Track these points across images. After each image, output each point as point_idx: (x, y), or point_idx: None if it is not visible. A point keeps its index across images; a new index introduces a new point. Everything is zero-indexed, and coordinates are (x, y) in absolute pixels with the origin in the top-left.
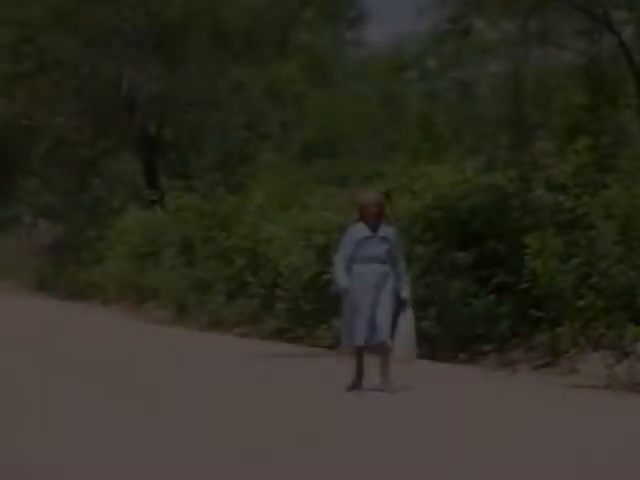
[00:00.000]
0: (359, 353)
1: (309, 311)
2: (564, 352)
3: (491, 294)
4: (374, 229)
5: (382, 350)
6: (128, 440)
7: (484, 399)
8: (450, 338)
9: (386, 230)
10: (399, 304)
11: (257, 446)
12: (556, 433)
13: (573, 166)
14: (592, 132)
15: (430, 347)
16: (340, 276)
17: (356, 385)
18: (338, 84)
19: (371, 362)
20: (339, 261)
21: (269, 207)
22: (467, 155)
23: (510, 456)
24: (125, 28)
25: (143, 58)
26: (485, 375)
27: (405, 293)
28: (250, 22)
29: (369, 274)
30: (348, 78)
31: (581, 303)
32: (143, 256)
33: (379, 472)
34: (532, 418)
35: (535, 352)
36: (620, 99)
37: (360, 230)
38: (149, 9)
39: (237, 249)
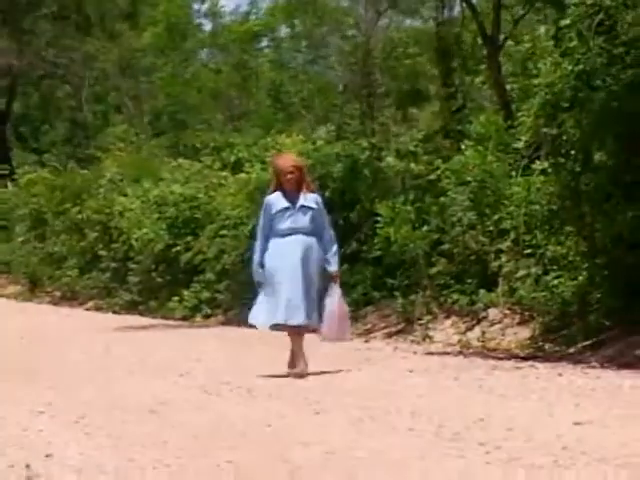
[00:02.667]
0: (292, 333)
1: (161, 283)
2: (417, 319)
3: (344, 263)
4: (294, 198)
5: (301, 331)
6: None
7: (343, 367)
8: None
9: (308, 198)
10: (326, 279)
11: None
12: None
13: (423, 132)
14: (442, 97)
15: None
16: (255, 266)
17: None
18: (190, 55)
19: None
20: (258, 245)
21: (121, 180)
22: (317, 125)
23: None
24: None
25: None
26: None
27: (333, 267)
28: None
29: (291, 247)
30: (200, 48)
31: (433, 270)
32: None
33: None
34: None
35: (389, 320)
36: (469, 64)
37: (278, 200)
38: None
39: (89, 222)
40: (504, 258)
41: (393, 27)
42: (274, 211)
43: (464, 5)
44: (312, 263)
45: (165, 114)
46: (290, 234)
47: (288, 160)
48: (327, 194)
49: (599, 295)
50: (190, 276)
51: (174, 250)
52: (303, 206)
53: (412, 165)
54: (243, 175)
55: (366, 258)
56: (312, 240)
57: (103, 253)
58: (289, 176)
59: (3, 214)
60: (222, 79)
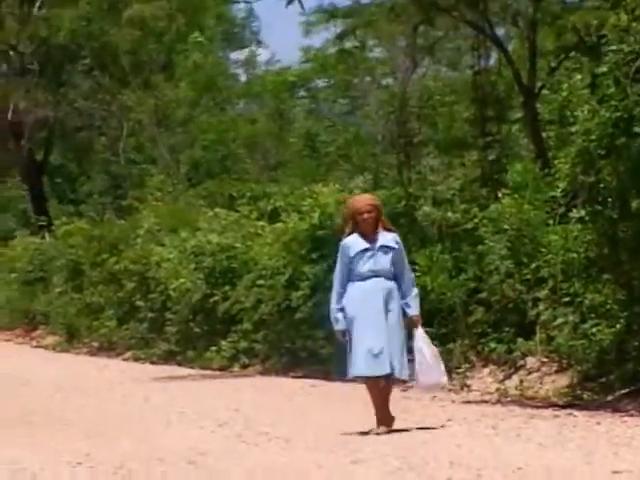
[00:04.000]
0: (372, 386)
1: (198, 333)
2: (456, 368)
3: None
4: (372, 239)
5: (388, 383)
6: None
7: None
8: (342, 356)
9: (386, 237)
10: (407, 324)
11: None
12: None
13: (460, 181)
14: (479, 146)
15: (323, 368)
16: (334, 315)
17: (382, 422)
18: (227, 104)
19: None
20: (334, 291)
21: (158, 230)
22: (354, 174)
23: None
24: (10, 53)
25: (29, 83)
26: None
27: (414, 310)
28: (136, 46)
29: (373, 290)
30: (237, 98)
31: (471, 318)
32: (32, 282)
33: None
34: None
35: None
36: (506, 113)
37: (356, 242)
38: (34, 33)
39: (126, 273)
40: (542, 306)
41: (429, 76)
42: (353, 253)
43: (500, 54)
44: (394, 309)
45: (202, 163)
46: (370, 277)
47: (364, 199)
48: None
49: (637, 343)
50: (228, 326)
51: (211, 300)
52: (383, 246)
53: (449, 214)
54: (280, 225)
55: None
56: (393, 285)
57: (140, 303)
58: (366, 215)
59: (41, 265)
60: (258, 129)
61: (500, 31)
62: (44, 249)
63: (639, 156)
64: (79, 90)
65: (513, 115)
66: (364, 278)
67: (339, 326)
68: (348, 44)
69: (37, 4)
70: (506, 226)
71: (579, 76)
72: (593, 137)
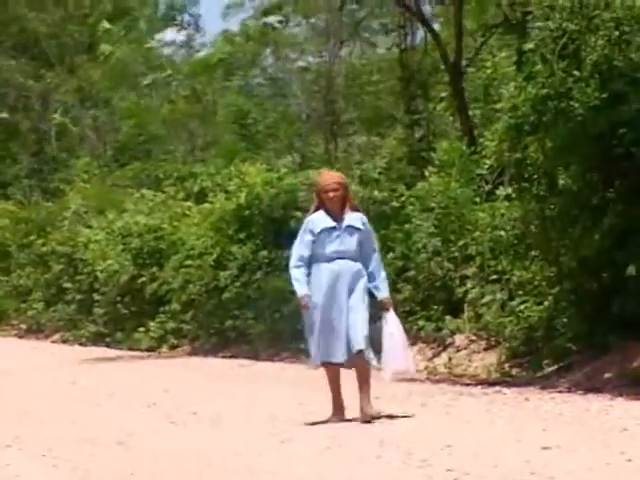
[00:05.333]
0: (333, 375)
1: (126, 315)
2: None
3: None
4: (339, 217)
5: (359, 364)
6: None
7: (310, 395)
8: (271, 336)
9: (353, 217)
10: (375, 307)
11: None
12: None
13: (386, 159)
14: (405, 124)
15: (252, 347)
16: (296, 282)
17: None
18: (150, 88)
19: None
20: (293, 264)
21: (85, 212)
22: (281, 153)
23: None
24: None
25: None
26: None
27: (384, 293)
28: (59, 29)
29: (337, 273)
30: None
31: (399, 297)
32: None
33: None
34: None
35: None
36: (432, 91)
37: (322, 219)
38: None
39: (54, 255)
40: (469, 284)
41: (355, 55)
42: (318, 230)
43: (426, 32)
44: (359, 291)
45: (127, 146)
46: (336, 258)
47: (330, 177)
48: (291, 223)
49: (565, 320)
50: (156, 307)
51: (139, 281)
52: (350, 226)
53: (376, 192)
54: (207, 205)
55: None
56: (359, 266)
57: (68, 285)
58: (332, 194)
59: None
60: (177, 110)
61: (427, 9)
62: None
63: (566, 133)
64: (1, 72)
65: (439, 93)
66: (329, 259)
67: (304, 289)
68: (272, 19)
69: None
70: (433, 204)
71: (504, 53)
72: (520, 114)
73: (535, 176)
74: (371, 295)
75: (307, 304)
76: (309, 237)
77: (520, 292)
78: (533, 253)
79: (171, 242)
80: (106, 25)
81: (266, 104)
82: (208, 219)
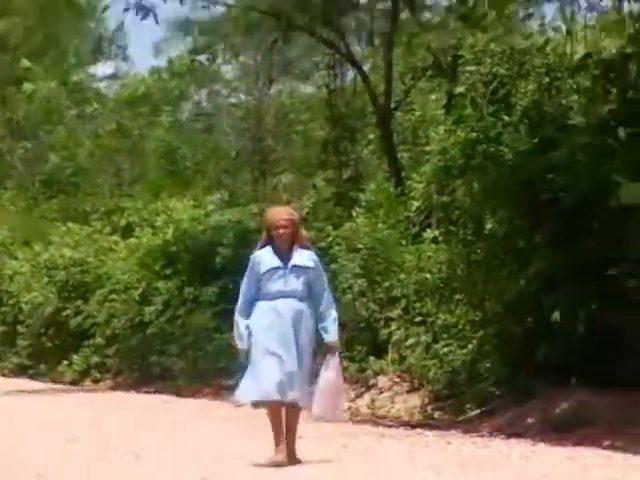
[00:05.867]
0: (273, 411)
1: (50, 347)
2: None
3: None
4: (286, 256)
5: (292, 411)
6: None
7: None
8: (194, 373)
9: (302, 255)
10: (321, 349)
11: None
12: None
13: (313, 199)
14: (333, 165)
15: (175, 383)
16: (237, 333)
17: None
18: (78, 120)
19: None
20: (239, 305)
21: (11, 243)
22: (209, 190)
23: None
24: None
25: None
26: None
27: (332, 335)
28: None
29: (280, 313)
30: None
31: None
32: None
33: None
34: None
35: None
36: (361, 132)
37: (267, 258)
38: None
39: None
40: (394, 326)
41: (286, 93)
42: (263, 270)
43: (356, 74)
44: (304, 332)
45: (55, 179)
46: (279, 297)
47: (280, 212)
48: (217, 260)
49: (489, 364)
50: (80, 340)
51: (64, 314)
52: (296, 266)
53: (303, 232)
54: (133, 240)
55: None
56: (303, 306)
57: None
58: (281, 230)
59: None
60: (106, 144)
61: (357, 49)
62: None
63: (494, 177)
64: None
65: (368, 135)
66: (273, 298)
67: (243, 344)
68: (201, 57)
69: None
70: (360, 245)
71: (433, 96)
72: (448, 157)
73: (462, 219)
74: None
75: (245, 356)
76: (254, 276)
77: (444, 335)
78: (458, 296)
79: (97, 276)
80: (26, 63)
81: (195, 140)
82: (135, 254)
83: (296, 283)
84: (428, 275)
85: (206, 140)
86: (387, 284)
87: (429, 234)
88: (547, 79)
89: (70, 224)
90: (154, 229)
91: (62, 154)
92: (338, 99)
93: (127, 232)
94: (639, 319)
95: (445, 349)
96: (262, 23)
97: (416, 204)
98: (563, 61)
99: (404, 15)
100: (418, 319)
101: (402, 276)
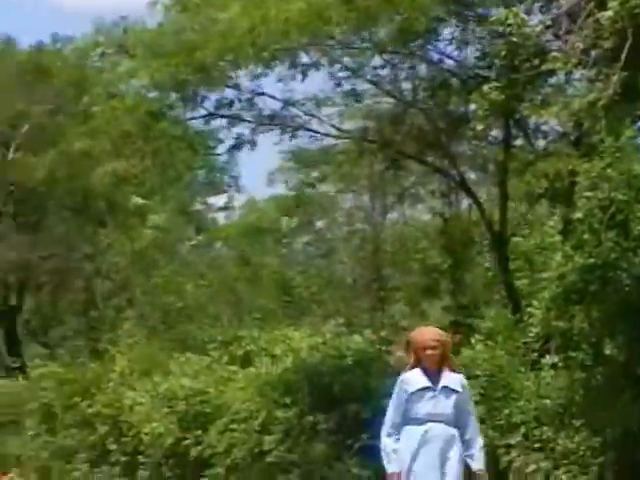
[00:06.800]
0: None
1: (171, 477)
2: None
3: (354, 457)
4: (435, 377)
5: None
6: None
7: None
8: None
9: (452, 378)
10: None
11: None
12: None
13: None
14: (451, 292)
15: None
16: (386, 458)
17: None
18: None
19: None
20: (385, 431)
21: (130, 374)
22: (326, 318)
23: None
24: None
25: (2, 227)
26: None
27: (478, 464)
28: (113, 189)
29: (429, 439)
30: (208, 244)
31: None
32: (4, 424)
33: None
34: None
35: None
36: (475, 260)
37: (415, 379)
38: (9, 176)
39: (99, 416)
40: (514, 453)
41: (402, 221)
42: (412, 390)
43: (471, 202)
44: (453, 460)
45: (174, 309)
46: (428, 421)
47: (430, 333)
48: (336, 388)
49: None
50: (200, 470)
51: (184, 444)
52: (446, 387)
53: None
54: (252, 369)
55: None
56: (454, 432)
57: (113, 447)
58: (430, 352)
59: (14, 407)
60: (228, 274)
61: (471, 177)
62: (17, 392)
63: (613, 302)
64: (54, 233)
65: (483, 261)
66: (421, 422)
67: (393, 467)
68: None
69: (12, 148)
70: (478, 372)
71: (551, 222)
72: (567, 283)
73: (582, 345)
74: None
75: None
76: (402, 397)
77: (565, 461)
78: (578, 422)
79: (216, 406)
80: (139, 201)
81: (311, 270)
82: (253, 383)
83: (446, 406)
84: (547, 401)
85: (321, 269)
86: (507, 411)
87: (548, 360)
88: None
89: (189, 354)
90: (272, 358)
91: (177, 286)
92: (453, 227)
93: (245, 361)
94: None
95: (565, 475)
96: (374, 152)
97: (535, 330)
98: None
99: (518, 142)
100: (538, 445)
101: (521, 402)
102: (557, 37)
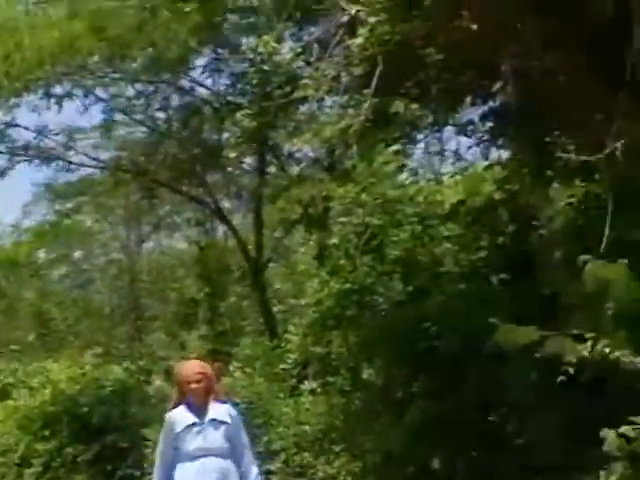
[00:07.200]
0: None
1: None
2: None
3: None
4: (202, 412)
5: None
6: None
7: None
8: None
9: (219, 410)
10: None
11: None
12: None
13: (193, 355)
14: (207, 321)
15: None
16: None
17: None
18: None
19: None
20: (156, 472)
21: None
22: (85, 349)
23: None
24: None
25: None
26: None
27: None
28: None
29: (203, 474)
30: None
31: None
32: None
33: None
34: None
35: None
36: (233, 287)
37: (181, 417)
38: None
39: None
40: (275, 479)
41: (158, 250)
42: (179, 429)
43: (226, 229)
44: None
45: None
46: (200, 456)
47: (193, 366)
48: (95, 419)
49: None
50: None
51: None
52: (214, 420)
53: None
54: (10, 402)
55: None
56: (228, 465)
57: None
58: (194, 385)
59: None
60: None
61: (226, 205)
62: None
63: (370, 327)
64: None
65: (240, 289)
66: (193, 458)
67: None
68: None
69: None
70: (237, 399)
71: (304, 249)
72: (324, 308)
73: (339, 370)
74: None
75: None
76: (170, 437)
77: None
78: (338, 448)
79: None
80: None
81: (67, 301)
82: (12, 416)
83: (215, 439)
84: (307, 427)
85: (78, 300)
86: (266, 437)
87: (307, 386)
88: (419, 227)
89: None
90: (31, 390)
91: None
92: (209, 255)
93: (3, 394)
94: (516, 464)
95: None
96: (129, 182)
97: (292, 356)
98: (435, 209)
99: (272, 168)
100: (298, 470)
101: (281, 429)
102: (308, 64)
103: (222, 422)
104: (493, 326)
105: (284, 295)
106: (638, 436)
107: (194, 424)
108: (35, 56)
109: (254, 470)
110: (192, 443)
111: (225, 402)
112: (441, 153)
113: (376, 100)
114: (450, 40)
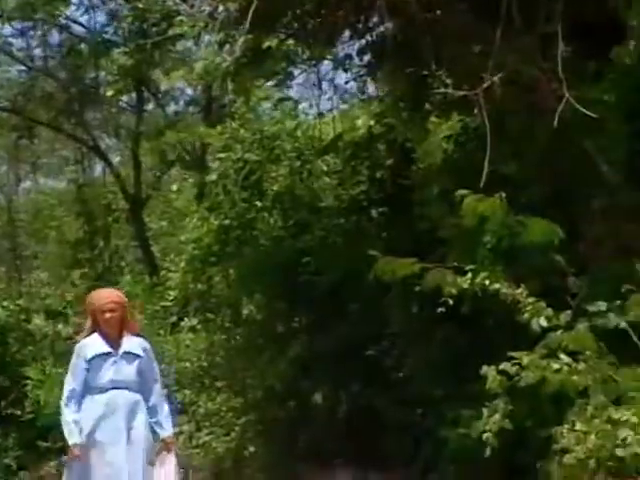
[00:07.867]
0: None
1: None
2: None
3: None
4: (116, 343)
5: None
6: None
7: None
8: None
9: (133, 342)
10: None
11: None
12: None
13: (73, 294)
14: (88, 261)
15: None
16: (66, 428)
17: None
18: None
19: None
20: (64, 401)
21: None
22: None
23: None
24: None
25: None
26: None
27: (167, 431)
28: None
29: (113, 407)
30: None
31: None
32: None
33: None
34: None
35: None
36: (113, 226)
37: (94, 345)
38: None
39: None
40: None
41: (36, 190)
42: (90, 356)
43: (105, 167)
44: (138, 427)
45: None
46: (111, 388)
47: (107, 295)
48: None
49: (253, 450)
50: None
51: None
52: (128, 352)
53: (60, 326)
54: None
55: (18, 422)
56: (138, 398)
57: None
58: (108, 315)
59: None
60: None
61: (107, 142)
62: None
63: (250, 262)
64: None
65: (120, 227)
66: (103, 390)
67: (74, 439)
68: None
69: None
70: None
71: (174, 187)
72: (203, 245)
73: (220, 307)
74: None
75: (79, 455)
76: (81, 365)
77: (207, 423)
78: (219, 384)
79: None
80: None
81: None
82: None
83: (129, 372)
84: (187, 364)
85: None
86: None
87: (187, 323)
88: (298, 163)
89: None
90: None
91: None
92: (88, 193)
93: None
94: (397, 398)
95: (208, 437)
96: (7, 121)
97: (173, 294)
98: (314, 144)
99: (150, 107)
100: (179, 407)
101: (162, 366)
102: (184, 1)
103: (136, 355)
104: (373, 259)
105: (164, 233)
106: (518, 372)
107: (108, 354)
108: None
109: (165, 406)
110: (105, 374)
111: (139, 335)
112: (319, 87)
113: (250, 36)
114: None
